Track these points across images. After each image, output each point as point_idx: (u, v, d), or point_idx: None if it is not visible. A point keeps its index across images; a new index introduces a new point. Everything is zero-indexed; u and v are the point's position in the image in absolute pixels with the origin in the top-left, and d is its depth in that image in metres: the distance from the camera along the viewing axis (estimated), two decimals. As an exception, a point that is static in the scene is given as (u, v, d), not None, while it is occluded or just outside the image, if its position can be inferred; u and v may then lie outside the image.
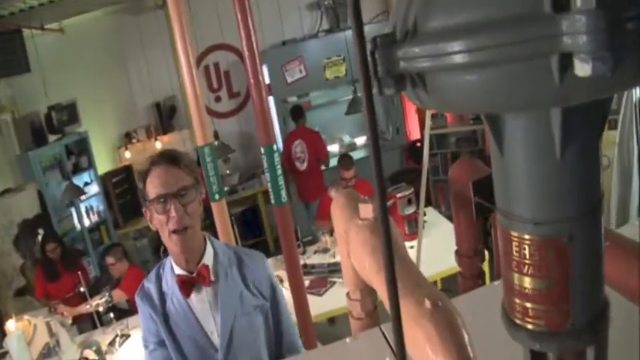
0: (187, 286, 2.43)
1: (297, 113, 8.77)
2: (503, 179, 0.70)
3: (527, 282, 0.70)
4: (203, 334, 2.46)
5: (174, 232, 2.32)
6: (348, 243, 1.52)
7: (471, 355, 0.95)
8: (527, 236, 0.68)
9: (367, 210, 1.42)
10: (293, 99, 9.50)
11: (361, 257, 1.36)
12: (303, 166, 8.61)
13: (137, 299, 2.56)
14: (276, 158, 3.89)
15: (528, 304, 0.71)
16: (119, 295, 5.75)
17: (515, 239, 0.70)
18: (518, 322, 0.74)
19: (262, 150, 3.86)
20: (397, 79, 0.65)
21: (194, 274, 2.45)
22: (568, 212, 0.66)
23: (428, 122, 2.58)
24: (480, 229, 2.32)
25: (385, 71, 0.64)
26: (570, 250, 0.66)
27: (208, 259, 2.49)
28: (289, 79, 8.97)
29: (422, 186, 2.67)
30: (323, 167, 8.72)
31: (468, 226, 2.26)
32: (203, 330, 2.46)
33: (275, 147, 3.88)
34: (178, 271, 2.46)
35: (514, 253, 0.70)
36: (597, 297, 0.72)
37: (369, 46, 0.63)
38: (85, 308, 5.57)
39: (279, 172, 3.89)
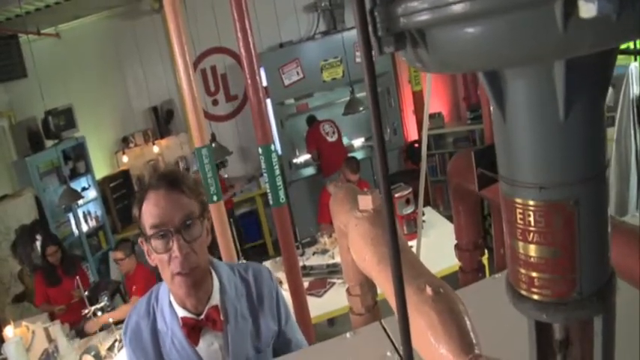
0: (195, 331, 2.06)
1: (311, 118, 9.40)
2: (506, 145, 0.68)
3: (533, 250, 0.68)
4: None
5: (178, 274, 1.95)
6: (348, 236, 1.50)
7: (474, 341, 0.93)
8: (532, 202, 0.66)
9: (366, 202, 1.40)
10: (290, 101, 9.53)
11: (361, 249, 1.34)
12: (333, 138, 9.03)
13: (124, 339, 2.16)
14: (274, 158, 3.87)
15: (534, 274, 0.69)
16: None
17: (519, 206, 0.68)
18: (523, 292, 0.72)
19: (260, 150, 3.84)
20: (397, 37, 0.63)
21: (202, 317, 2.06)
22: (574, 176, 0.64)
23: (427, 115, 2.55)
24: (479, 224, 2.30)
25: (385, 29, 0.62)
26: (577, 215, 0.64)
27: (216, 296, 2.10)
28: (286, 82, 8.95)
29: (420, 185, 2.64)
30: None
31: (468, 220, 2.25)
32: None
33: (273, 147, 3.86)
34: (182, 312, 2.07)
35: (518, 220, 0.68)
36: (604, 265, 0.70)
37: (367, 4, 0.61)
38: (100, 321, 5.52)
39: (278, 172, 3.87)
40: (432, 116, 9.74)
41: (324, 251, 6.35)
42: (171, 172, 2.06)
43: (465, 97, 10.36)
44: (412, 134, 10.29)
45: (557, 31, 0.52)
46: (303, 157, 9.91)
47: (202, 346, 2.07)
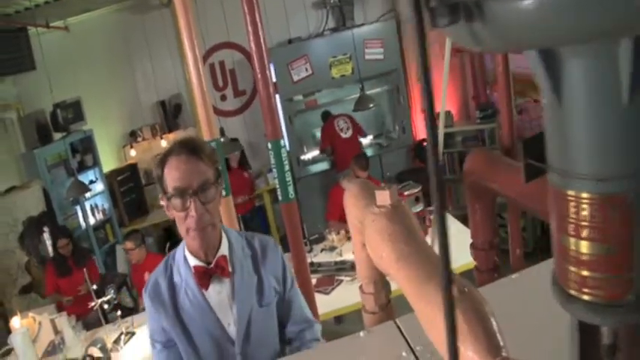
0: (205, 277, 2.31)
1: (325, 114, 9.46)
2: (561, 132, 0.63)
3: (585, 247, 0.64)
4: (219, 326, 2.34)
5: (193, 229, 2.21)
6: (363, 233, 1.48)
7: (501, 342, 0.91)
8: (586, 195, 0.61)
9: (384, 197, 1.38)
10: (299, 97, 9.50)
11: (378, 246, 1.32)
12: (347, 134, 9.04)
13: (145, 295, 2.41)
14: (284, 154, 3.85)
15: (585, 272, 0.65)
16: None
17: (572, 199, 0.64)
18: (573, 293, 0.68)
19: (269, 145, 3.82)
20: (451, 9, 0.60)
21: (211, 266, 2.33)
22: (635, 166, 0.60)
23: (443, 101, 2.50)
24: (495, 222, 2.28)
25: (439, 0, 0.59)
26: (636, 210, 0.60)
27: (224, 250, 2.36)
28: (295, 78, 8.93)
29: (433, 177, 2.60)
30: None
31: (484, 218, 2.22)
32: (220, 322, 2.34)
33: (282, 142, 3.84)
34: (194, 262, 2.33)
35: (571, 215, 0.64)
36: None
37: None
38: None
39: (287, 167, 3.85)
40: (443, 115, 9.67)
41: (332, 248, 6.32)
42: (191, 141, 2.29)
43: (475, 96, 10.28)
44: (421, 132, 10.24)
45: (631, 3, 0.49)
46: (312, 154, 9.89)
47: (212, 293, 2.34)
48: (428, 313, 1.04)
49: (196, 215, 2.16)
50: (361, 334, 1.63)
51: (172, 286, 2.37)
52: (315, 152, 9.91)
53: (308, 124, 9.96)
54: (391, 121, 10.24)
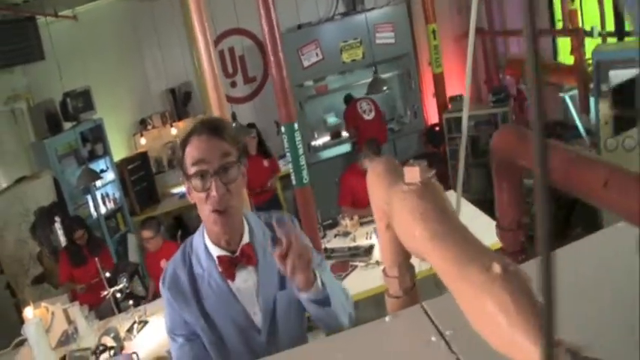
0: (231, 267, 2.20)
1: (348, 97, 9.44)
2: None
3: None
4: (246, 316, 2.25)
5: (214, 211, 2.09)
6: (388, 213, 1.40)
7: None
8: None
9: (414, 174, 1.30)
10: (309, 83, 9.44)
11: (409, 226, 1.23)
12: (370, 116, 9.04)
13: (162, 288, 2.29)
14: (297, 137, 3.79)
15: None
16: None
17: None
18: None
19: (283, 129, 3.76)
20: None
21: (236, 254, 2.22)
22: None
23: (469, 72, 2.42)
24: (523, 201, 2.19)
25: None
26: None
27: (247, 236, 2.26)
28: (305, 63, 8.87)
29: (460, 156, 2.53)
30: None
31: (511, 197, 2.13)
32: (246, 312, 2.25)
33: (296, 126, 3.78)
34: (217, 251, 2.22)
35: None
36: None
37: None
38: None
39: (301, 151, 3.79)
40: (452, 99, 9.65)
41: (346, 234, 6.25)
42: (214, 120, 2.28)
43: (487, 80, 10.28)
44: (432, 117, 10.19)
45: None
46: (322, 140, 9.88)
47: (237, 283, 2.24)
48: (468, 295, 0.96)
49: (217, 195, 2.05)
50: (387, 319, 1.55)
51: (193, 278, 2.26)
52: (326, 138, 9.91)
53: (319, 109, 9.92)
54: (402, 106, 10.22)
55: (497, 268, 0.91)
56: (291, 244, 1.95)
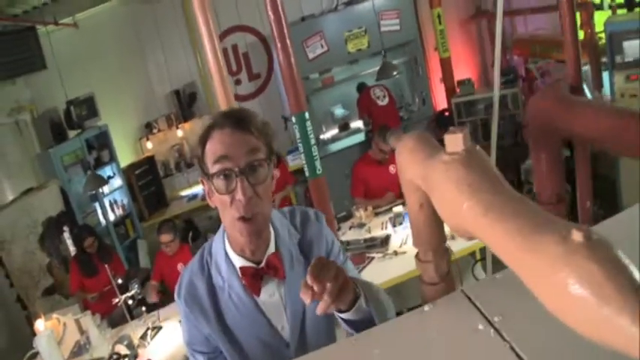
0: (256, 281, 1.91)
1: (361, 85, 9.35)
2: None
3: None
4: (273, 332, 1.98)
5: (239, 218, 1.78)
6: (427, 189, 1.22)
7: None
8: None
9: (456, 141, 1.12)
10: (315, 75, 9.31)
11: (454, 200, 1.05)
12: (384, 102, 8.95)
13: (178, 299, 2.02)
14: (309, 127, 3.62)
15: None
16: None
17: None
18: None
19: (294, 119, 3.60)
20: None
21: (262, 265, 1.92)
22: None
23: (499, 38, 2.24)
24: (563, 172, 1.99)
25: None
26: None
27: (273, 244, 1.96)
28: (310, 55, 8.72)
29: (493, 128, 2.34)
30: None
31: (550, 168, 1.93)
32: (273, 327, 1.98)
33: (307, 115, 3.61)
34: (240, 262, 1.92)
35: None
36: None
37: None
38: None
39: (313, 141, 3.63)
40: (460, 83, 9.55)
41: (361, 225, 6.09)
42: (238, 111, 1.91)
43: (494, 63, 10.09)
44: (440, 103, 10.08)
45: None
46: (331, 133, 9.77)
47: (263, 296, 1.95)
48: (542, 270, 0.79)
49: (244, 199, 1.74)
50: (425, 308, 1.38)
51: (212, 289, 1.98)
52: (335, 131, 9.81)
53: (326, 102, 9.80)
54: (410, 94, 10.12)
55: (578, 236, 0.74)
56: (320, 279, 1.55)
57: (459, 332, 1.24)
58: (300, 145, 3.66)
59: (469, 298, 1.34)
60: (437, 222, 1.45)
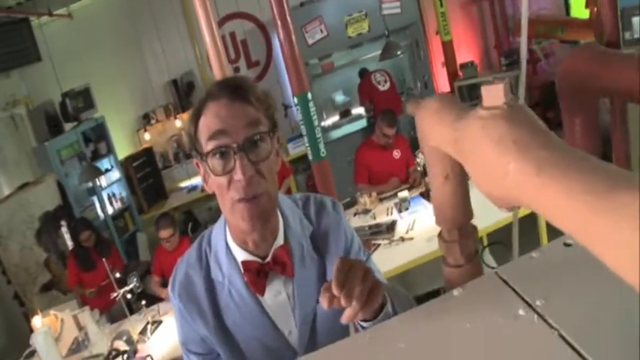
0: (260, 278, 1.65)
1: (363, 70, 9.33)
2: None
3: None
4: (278, 335, 1.71)
5: (240, 200, 1.51)
6: (459, 153, 1.04)
7: None
8: None
9: (496, 93, 0.93)
10: (315, 61, 9.21)
11: (497, 161, 0.86)
12: (385, 87, 8.93)
13: (172, 295, 1.75)
14: (312, 108, 3.45)
15: None
16: None
17: None
18: None
19: (295, 100, 3.44)
20: None
21: (267, 260, 1.65)
22: None
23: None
24: (599, 137, 1.80)
25: None
26: None
27: (281, 235, 1.68)
28: (310, 41, 8.56)
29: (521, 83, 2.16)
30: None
31: (586, 131, 1.74)
32: (279, 331, 1.71)
33: (309, 95, 3.44)
34: (243, 255, 1.66)
35: None
36: None
37: None
38: None
39: (316, 123, 3.46)
40: (463, 66, 9.45)
41: (366, 211, 5.92)
42: (235, 79, 1.61)
43: (497, 45, 10.15)
44: (443, 87, 9.98)
45: None
46: (332, 120, 9.67)
47: (268, 296, 1.67)
48: (621, 234, 0.61)
49: (244, 179, 1.48)
50: (455, 292, 1.20)
51: (211, 284, 1.72)
52: (336, 118, 9.71)
53: (326, 88, 9.70)
54: (412, 78, 10.05)
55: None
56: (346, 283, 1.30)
57: (497, 319, 1.06)
58: (302, 127, 3.48)
59: (504, 281, 1.17)
60: (464, 195, 1.28)
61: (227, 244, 1.70)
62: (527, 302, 1.06)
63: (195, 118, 1.55)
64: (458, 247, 1.34)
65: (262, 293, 1.66)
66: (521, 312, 1.05)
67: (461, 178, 1.24)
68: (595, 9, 7.08)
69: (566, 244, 1.21)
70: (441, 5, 9.30)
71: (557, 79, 1.59)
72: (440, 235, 1.38)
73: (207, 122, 1.51)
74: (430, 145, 1.22)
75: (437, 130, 1.14)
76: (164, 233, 5.73)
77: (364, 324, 1.44)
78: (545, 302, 1.04)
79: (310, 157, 3.53)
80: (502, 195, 0.92)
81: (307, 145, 3.50)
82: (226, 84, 1.56)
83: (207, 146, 1.50)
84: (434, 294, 2.04)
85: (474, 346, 1.04)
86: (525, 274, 1.17)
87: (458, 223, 1.32)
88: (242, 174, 1.47)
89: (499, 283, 1.17)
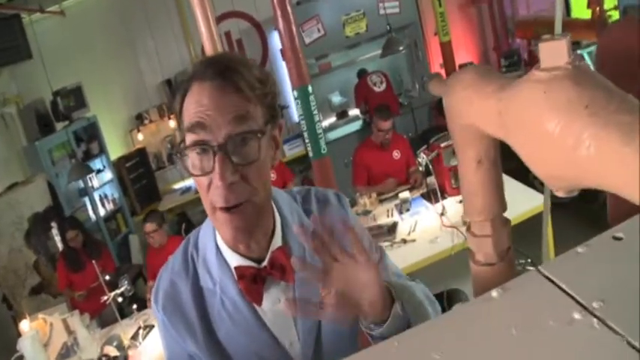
0: (256, 286, 1.43)
1: (361, 71, 9.27)
2: None
3: None
4: (278, 348, 1.48)
5: (220, 208, 1.30)
6: (505, 129, 0.88)
7: None
8: None
9: (558, 51, 0.77)
10: (312, 61, 9.01)
11: (565, 131, 0.70)
12: (381, 88, 8.83)
13: (155, 307, 1.53)
14: (312, 102, 3.30)
15: None
16: None
17: None
18: None
19: (295, 94, 3.29)
20: None
21: (264, 264, 1.44)
22: None
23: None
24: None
25: None
26: None
27: (279, 235, 1.47)
28: (307, 40, 8.44)
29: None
30: None
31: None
32: (278, 344, 1.48)
33: (310, 88, 3.29)
34: (235, 259, 1.44)
35: None
36: None
37: None
38: None
39: (317, 117, 3.31)
40: (462, 67, 9.28)
41: (366, 212, 5.79)
42: (223, 57, 1.37)
43: (496, 47, 10.13)
44: (442, 88, 9.88)
45: None
46: (328, 121, 9.53)
47: (266, 306, 1.46)
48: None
49: (223, 185, 1.24)
50: (494, 294, 1.02)
51: (199, 294, 1.49)
52: (332, 119, 9.62)
53: (323, 89, 9.57)
54: (410, 79, 9.96)
55: None
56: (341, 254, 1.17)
57: (547, 324, 0.90)
58: (302, 122, 3.33)
59: (551, 280, 1.00)
60: (498, 183, 1.13)
61: (217, 245, 1.49)
62: (581, 305, 0.90)
63: (181, 99, 1.31)
64: (490, 242, 1.17)
65: (259, 302, 1.45)
66: (576, 315, 0.88)
67: (495, 163, 1.10)
68: (597, 9, 7.03)
69: (616, 238, 1.04)
70: (440, 6, 9.21)
71: (598, 54, 1.46)
72: (469, 229, 1.22)
73: (189, 110, 1.28)
74: (462, 124, 1.06)
75: (475, 104, 0.98)
76: (148, 227, 5.68)
77: (374, 331, 1.28)
78: (604, 305, 0.88)
79: (310, 154, 3.40)
80: (565, 173, 0.76)
81: (307, 141, 3.35)
82: (214, 62, 1.32)
83: (187, 138, 1.27)
84: (438, 297, 1.87)
85: (524, 355, 0.87)
86: (573, 272, 1.00)
87: (491, 214, 1.16)
88: (220, 179, 1.24)
89: (544, 283, 1.01)
